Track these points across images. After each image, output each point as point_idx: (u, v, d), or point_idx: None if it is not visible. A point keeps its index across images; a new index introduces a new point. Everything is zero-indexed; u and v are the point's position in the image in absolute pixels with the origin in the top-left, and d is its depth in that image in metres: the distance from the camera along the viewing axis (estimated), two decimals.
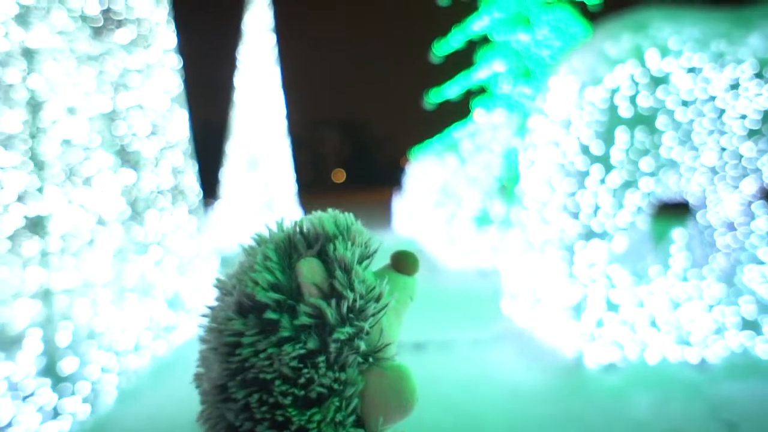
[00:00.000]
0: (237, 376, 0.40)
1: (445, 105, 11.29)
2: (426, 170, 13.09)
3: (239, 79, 14.15)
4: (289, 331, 0.40)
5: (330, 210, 0.47)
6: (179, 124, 6.12)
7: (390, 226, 16.15)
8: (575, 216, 4.21)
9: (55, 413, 3.29)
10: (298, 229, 0.45)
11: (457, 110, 10.93)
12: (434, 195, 11.24)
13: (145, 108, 5.32)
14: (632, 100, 4.04)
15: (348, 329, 0.40)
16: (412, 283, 0.48)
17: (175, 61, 6.17)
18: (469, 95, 10.68)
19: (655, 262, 4.19)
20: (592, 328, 3.98)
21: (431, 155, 12.64)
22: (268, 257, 0.42)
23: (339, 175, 63.48)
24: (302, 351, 0.39)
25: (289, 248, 0.44)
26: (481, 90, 10.25)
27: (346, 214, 0.47)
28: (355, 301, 0.41)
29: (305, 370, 0.39)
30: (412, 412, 0.40)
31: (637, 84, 4.02)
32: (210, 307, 0.44)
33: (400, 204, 15.32)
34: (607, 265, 4.03)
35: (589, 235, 4.14)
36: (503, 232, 8.25)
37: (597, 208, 4.13)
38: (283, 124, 14.50)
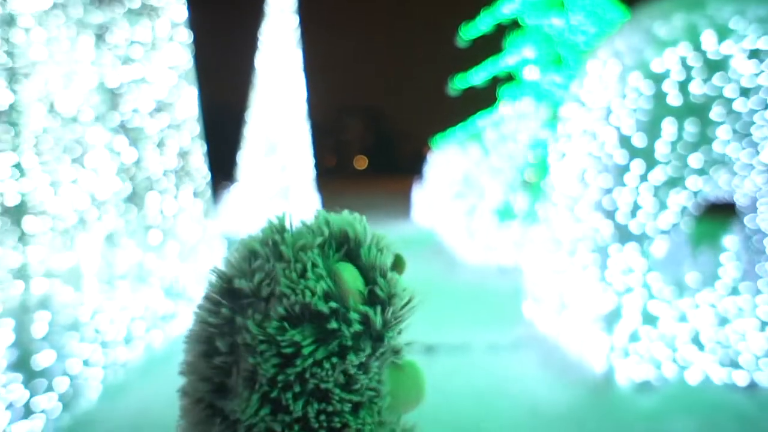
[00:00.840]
0: (293, 388, 0.39)
1: (470, 93, 10.80)
2: (448, 160, 12.65)
3: (260, 61, 13.81)
4: (350, 340, 0.40)
5: (345, 212, 0.46)
6: (187, 102, 5.80)
7: (409, 215, 15.75)
8: (611, 215, 3.77)
9: (28, 411, 3.00)
10: (328, 232, 0.44)
11: (483, 98, 10.45)
12: (455, 185, 10.81)
13: (149, 83, 5.00)
14: (683, 87, 3.57)
15: (392, 333, 0.42)
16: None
17: (185, 36, 5.84)
18: (495, 83, 10.18)
19: (699, 271, 3.74)
20: (626, 342, 3.56)
21: (454, 144, 12.18)
22: (316, 264, 0.41)
23: (361, 162, 63.18)
24: (364, 359, 0.40)
25: (323, 254, 0.43)
26: (509, 77, 9.75)
27: (362, 216, 0.46)
28: (397, 306, 0.42)
29: (362, 377, 0.40)
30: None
31: (689, 69, 3.55)
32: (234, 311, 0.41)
33: (420, 194, 14.90)
34: (646, 272, 3.59)
35: (625, 237, 3.70)
36: (527, 227, 7.80)
37: (636, 207, 3.68)
38: (303, 108, 14.14)
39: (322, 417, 0.38)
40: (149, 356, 4.36)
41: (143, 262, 4.46)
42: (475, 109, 10.07)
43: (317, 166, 14.73)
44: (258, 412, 0.38)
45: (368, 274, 0.42)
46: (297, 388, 0.39)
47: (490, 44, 9.55)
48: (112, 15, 4.56)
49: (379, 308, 0.41)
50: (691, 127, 3.54)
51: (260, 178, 13.49)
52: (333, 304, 0.40)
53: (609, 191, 3.80)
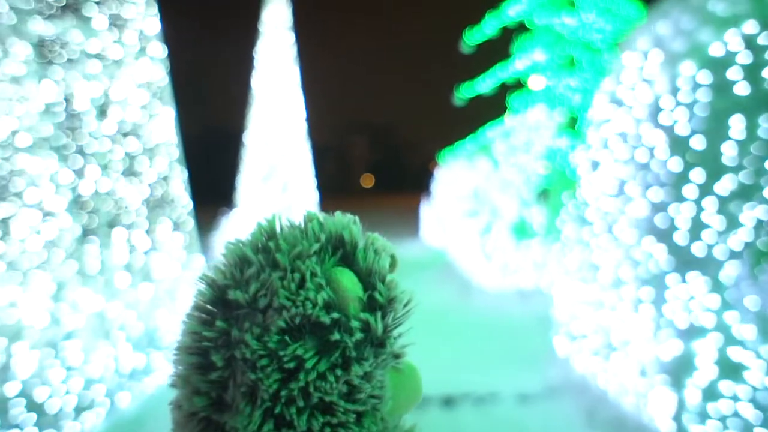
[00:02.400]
0: (296, 402, 0.37)
1: (478, 102, 10.16)
2: (456, 174, 11.97)
3: (256, 81, 13.29)
4: (353, 350, 0.39)
5: (338, 213, 0.44)
6: (162, 124, 5.16)
7: (417, 234, 15.02)
8: (666, 236, 3.04)
9: None
10: (325, 238, 0.42)
11: (491, 107, 9.79)
12: (466, 202, 10.10)
13: (114, 102, 4.36)
14: (752, 74, 2.85)
15: (392, 339, 0.41)
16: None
17: (159, 50, 5.22)
18: (504, 90, 9.52)
19: None
20: (700, 400, 2.80)
21: (462, 158, 11.51)
22: (315, 273, 0.40)
23: (368, 180, 62.71)
24: (368, 368, 0.39)
25: (320, 259, 0.41)
26: (518, 84, 9.08)
27: (355, 217, 0.45)
28: (397, 311, 0.41)
29: (366, 386, 0.39)
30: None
31: (760, 51, 2.84)
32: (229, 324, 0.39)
33: (428, 211, 14.19)
34: (720, 308, 2.84)
35: (686, 262, 2.96)
36: (548, 246, 7.05)
37: (699, 225, 2.95)
38: (303, 127, 13.57)
39: (327, 430, 0.37)
40: (115, 421, 3.65)
41: (105, 312, 3.77)
42: (483, 120, 9.41)
43: (320, 186, 14.10)
44: (261, 428, 0.37)
45: (367, 278, 0.41)
46: (301, 403, 0.38)
47: (497, 50, 8.91)
48: (64, 26, 3.93)
49: (379, 314, 0.40)
50: (766, 123, 2.82)
51: (260, 203, 12.87)
52: (335, 315, 0.39)
53: (662, 207, 3.07)
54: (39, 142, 3.39)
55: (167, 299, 4.60)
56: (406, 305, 0.43)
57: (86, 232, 3.84)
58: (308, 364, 0.38)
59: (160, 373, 4.27)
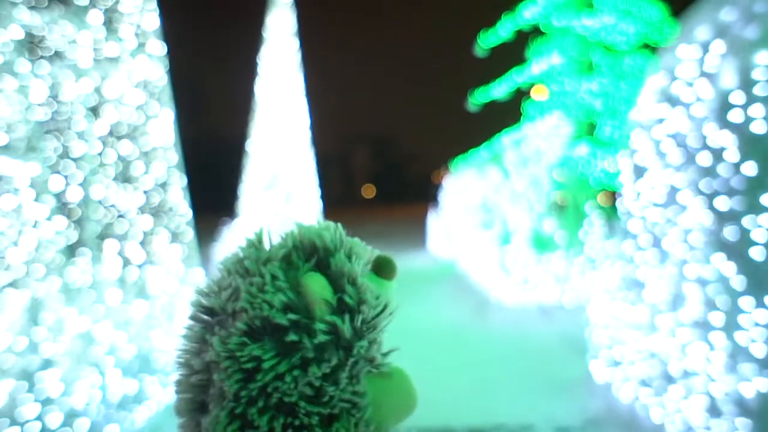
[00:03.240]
0: (257, 403, 0.38)
1: (483, 114, 9.80)
2: (465, 185, 11.57)
3: (259, 88, 12.95)
4: (311, 351, 0.39)
5: (319, 221, 0.45)
6: (161, 126, 4.77)
7: (424, 246, 14.59)
8: (739, 253, 2.62)
9: None
10: (291, 243, 0.43)
11: (498, 117, 9.42)
12: (479, 213, 9.69)
13: (106, 101, 3.98)
14: None
15: (364, 342, 0.40)
16: (390, 287, 0.47)
17: (158, 48, 4.84)
18: (512, 98, 9.15)
19: None
20: None
21: (472, 167, 11.12)
22: (277, 276, 0.40)
23: (369, 191, 62.40)
24: (328, 370, 0.39)
25: (288, 264, 0.42)
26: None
27: (335, 224, 0.45)
28: (368, 314, 0.41)
29: (329, 388, 0.39)
30: (413, 412, 0.42)
31: None
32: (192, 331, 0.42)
33: (436, 222, 13.77)
34: None
35: (764, 282, 2.54)
36: (570, 260, 6.63)
37: None
38: (306, 135, 13.22)
39: (289, 431, 0.37)
40: None
41: (91, 334, 3.35)
42: (489, 130, 9.05)
43: (323, 196, 13.70)
44: (226, 428, 0.38)
45: (337, 282, 0.41)
46: (260, 403, 0.38)
47: (507, 60, 8.53)
48: (52, 16, 3.55)
49: (347, 316, 0.40)
50: None
51: (262, 212, 12.48)
52: (292, 316, 0.39)
53: (733, 218, 2.66)
54: (16, 142, 2.98)
55: (163, 318, 4.18)
56: (381, 310, 0.41)
57: (73, 244, 3.43)
58: (265, 365, 0.38)
59: (154, 402, 3.83)
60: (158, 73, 4.77)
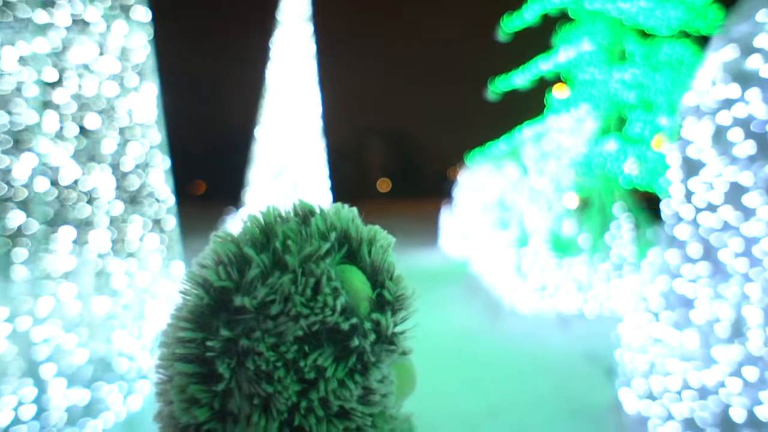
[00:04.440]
0: (316, 412, 0.35)
1: (508, 104, 9.17)
2: (481, 181, 10.97)
3: (271, 73, 12.45)
4: (371, 354, 0.37)
5: (338, 205, 0.41)
6: (140, 102, 4.26)
7: (436, 243, 14.00)
8: None
9: None
10: (333, 236, 0.39)
11: (513, 112, 8.81)
12: (494, 211, 9.09)
13: (67, 68, 3.46)
14: None
15: (402, 337, 0.40)
16: None
17: (141, 13, 4.32)
18: (542, 88, 8.50)
19: None
20: None
21: (489, 162, 10.51)
22: (331, 277, 0.37)
23: (384, 185, 61.90)
24: (386, 372, 0.38)
25: (331, 259, 0.38)
26: (558, 79, 8.05)
27: (347, 207, 0.42)
28: (406, 307, 0.40)
29: (382, 388, 0.38)
30: None
31: None
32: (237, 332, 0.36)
33: (449, 219, 13.17)
34: None
35: None
36: (593, 266, 6.01)
37: None
38: (318, 124, 12.70)
39: None
40: None
41: (29, 336, 2.83)
42: (509, 123, 8.43)
43: (334, 188, 13.17)
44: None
45: (374, 276, 0.40)
46: (320, 413, 0.36)
47: (529, 50, 7.88)
48: None
49: (389, 312, 0.39)
50: None
51: (270, 201, 11.94)
52: (354, 320, 0.37)
53: None
54: None
55: (129, 316, 3.66)
56: (411, 299, 0.40)
57: (15, 231, 2.92)
58: (328, 373, 0.36)
59: (111, 414, 3.32)
60: (139, 42, 4.25)
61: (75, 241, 3.26)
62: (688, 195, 2.98)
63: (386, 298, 0.39)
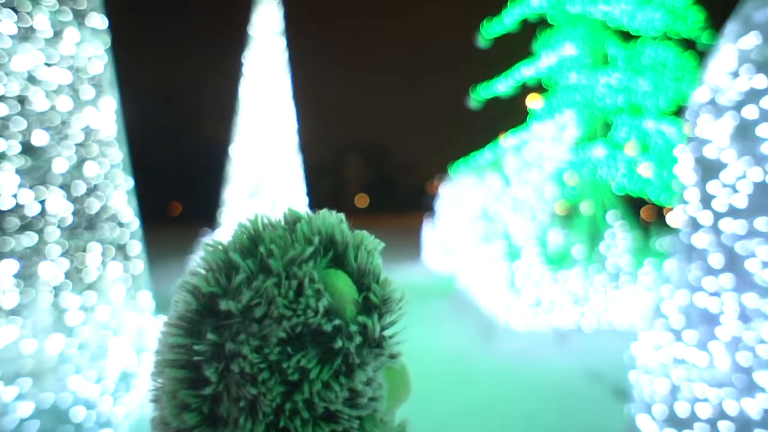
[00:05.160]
0: (301, 414, 0.36)
1: (488, 115, 8.98)
2: (465, 191, 10.73)
3: (244, 89, 12.12)
4: (356, 356, 0.37)
5: (325, 211, 0.43)
6: (97, 117, 3.88)
7: (419, 258, 13.68)
8: None
9: None
10: (317, 240, 0.40)
11: (492, 125, 8.63)
12: (479, 223, 8.82)
13: (11, 80, 3.08)
14: None
15: (389, 340, 0.40)
16: None
17: (97, 21, 3.97)
18: (522, 97, 8.32)
19: None
20: None
21: (470, 173, 10.28)
22: (314, 279, 0.38)
23: (362, 201, 61.63)
24: (371, 374, 0.38)
25: (314, 262, 0.39)
26: (539, 86, 7.85)
27: (334, 213, 0.43)
28: (393, 310, 0.40)
29: (368, 390, 0.38)
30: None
31: None
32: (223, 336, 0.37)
33: (432, 233, 12.88)
34: None
35: None
36: (590, 278, 5.74)
37: None
38: (293, 139, 12.37)
39: None
40: None
41: None
42: (490, 133, 8.22)
43: (312, 204, 12.79)
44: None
45: (360, 279, 0.40)
46: (305, 414, 0.36)
47: (508, 59, 7.69)
48: None
49: (375, 315, 0.39)
50: None
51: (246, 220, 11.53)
52: (337, 322, 0.37)
53: None
54: None
55: (85, 357, 3.24)
56: (399, 302, 0.40)
57: None
58: (312, 375, 0.36)
59: None
60: (95, 52, 3.88)
61: (17, 275, 2.84)
62: (706, 199, 2.71)
63: (373, 301, 0.39)
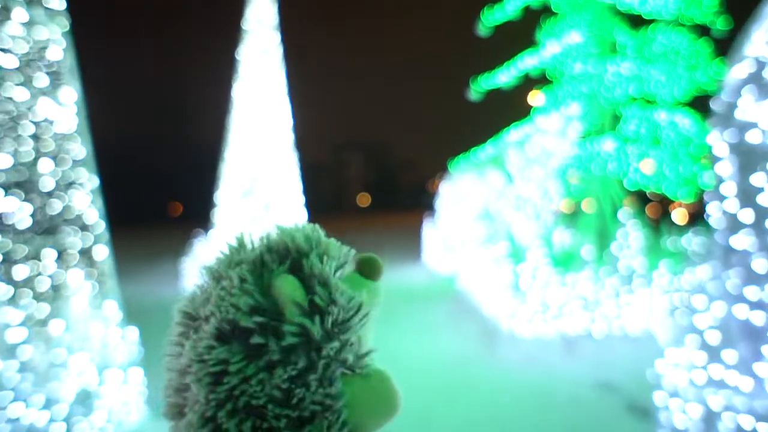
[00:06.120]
0: (225, 406, 0.39)
1: (489, 110, 8.57)
2: (466, 189, 10.33)
3: (238, 86, 11.75)
4: (278, 353, 0.40)
5: (296, 223, 0.47)
6: (55, 110, 3.50)
7: (419, 258, 13.28)
8: None
9: None
10: (266, 246, 0.44)
11: (505, 112, 8.21)
12: (481, 222, 8.42)
13: None
14: None
15: (335, 344, 0.41)
16: (378, 288, 0.47)
17: (55, 2, 3.59)
18: (524, 92, 7.91)
19: None
20: None
21: (471, 170, 9.88)
22: (245, 279, 0.41)
23: (363, 200, 61.28)
24: (294, 372, 0.39)
25: (260, 267, 0.43)
26: (544, 78, 7.44)
27: (313, 225, 0.47)
28: (338, 315, 0.41)
29: (297, 390, 0.39)
30: (398, 413, 0.41)
31: None
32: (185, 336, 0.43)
33: (433, 232, 12.47)
34: None
35: None
36: (599, 281, 5.33)
37: None
38: (289, 137, 11.99)
39: None
40: None
41: None
42: (489, 130, 7.84)
43: (309, 205, 12.40)
44: (239, 425, 0.39)
45: (308, 283, 0.42)
46: (229, 406, 0.38)
47: (509, 52, 7.28)
48: None
49: (317, 318, 0.40)
50: None
51: (240, 222, 11.18)
52: (258, 318, 0.40)
53: None
54: None
55: (28, 380, 2.83)
56: (354, 311, 0.41)
57: None
58: (231, 368, 0.38)
59: None
60: (50, 35, 3.49)
61: None
62: (748, 194, 2.30)
63: (318, 305, 0.40)
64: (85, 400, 3.20)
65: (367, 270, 0.45)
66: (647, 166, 6.23)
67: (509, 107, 8.71)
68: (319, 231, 0.45)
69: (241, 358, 0.38)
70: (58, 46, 3.50)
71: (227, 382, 0.38)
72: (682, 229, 6.16)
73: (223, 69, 12.63)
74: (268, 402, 0.38)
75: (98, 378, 3.31)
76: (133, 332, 3.86)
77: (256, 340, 0.38)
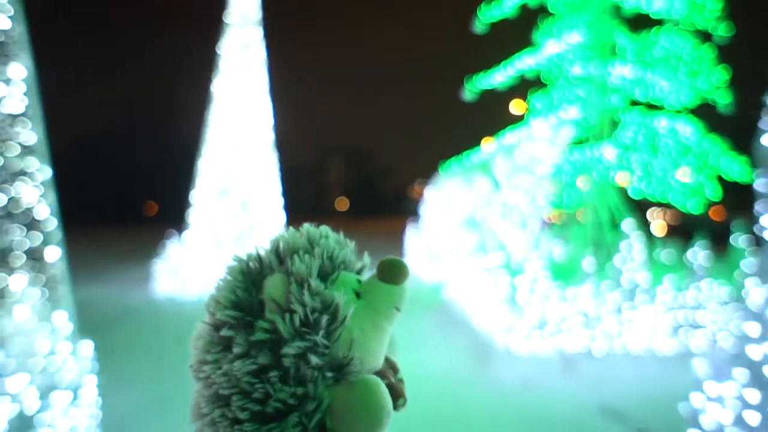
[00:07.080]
0: (205, 393, 0.43)
1: (477, 115, 8.25)
2: (452, 195, 9.99)
3: (217, 82, 11.27)
4: (242, 347, 0.42)
5: (306, 225, 0.48)
6: (4, 88, 3.04)
7: None
8: None
9: None
10: (272, 246, 0.48)
11: (478, 127, 7.93)
12: (468, 229, 8.09)
13: None
14: None
15: (299, 343, 0.41)
16: (399, 292, 0.47)
17: None
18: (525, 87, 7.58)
19: None
20: None
21: (458, 176, 9.55)
22: (233, 277, 0.45)
23: (342, 204, 60.88)
24: (253, 366, 0.41)
25: (260, 266, 0.46)
26: (539, 80, 7.13)
27: (322, 226, 0.49)
28: (306, 315, 0.42)
29: (259, 385, 0.41)
30: (385, 427, 0.39)
31: None
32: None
33: (416, 239, 12.09)
34: None
35: None
36: (603, 294, 4.99)
37: None
38: (269, 136, 11.54)
39: (226, 423, 0.40)
40: None
41: None
42: (475, 135, 7.52)
43: (288, 207, 11.94)
44: (211, 411, 0.43)
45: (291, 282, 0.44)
46: (205, 392, 0.43)
47: (500, 56, 6.97)
48: None
49: (287, 316, 0.42)
50: None
51: (215, 223, 10.68)
52: (232, 312, 0.42)
53: None
54: None
55: None
56: (328, 313, 0.42)
57: None
58: (209, 357, 0.42)
59: None
60: None
61: None
62: None
63: (290, 303, 0.42)
64: (22, 427, 2.73)
65: (387, 274, 0.47)
66: (683, 176, 5.91)
67: (494, 114, 8.43)
68: (325, 231, 0.47)
69: (220, 349, 0.42)
70: (3, 14, 3.02)
71: (204, 370, 0.42)
72: (665, 242, 5.97)
73: (203, 63, 12.13)
74: (234, 394, 0.40)
75: (39, 402, 2.83)
76: (88, 346, 3.37)
77: (224, 333, 0.42)
